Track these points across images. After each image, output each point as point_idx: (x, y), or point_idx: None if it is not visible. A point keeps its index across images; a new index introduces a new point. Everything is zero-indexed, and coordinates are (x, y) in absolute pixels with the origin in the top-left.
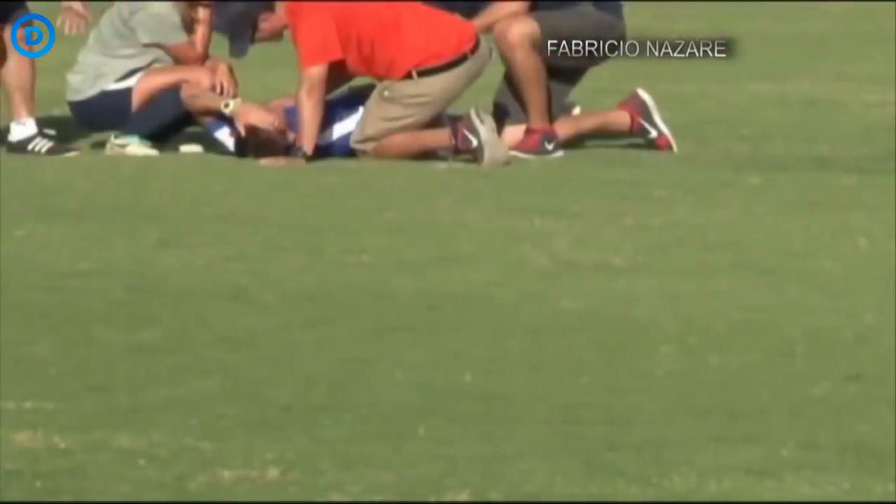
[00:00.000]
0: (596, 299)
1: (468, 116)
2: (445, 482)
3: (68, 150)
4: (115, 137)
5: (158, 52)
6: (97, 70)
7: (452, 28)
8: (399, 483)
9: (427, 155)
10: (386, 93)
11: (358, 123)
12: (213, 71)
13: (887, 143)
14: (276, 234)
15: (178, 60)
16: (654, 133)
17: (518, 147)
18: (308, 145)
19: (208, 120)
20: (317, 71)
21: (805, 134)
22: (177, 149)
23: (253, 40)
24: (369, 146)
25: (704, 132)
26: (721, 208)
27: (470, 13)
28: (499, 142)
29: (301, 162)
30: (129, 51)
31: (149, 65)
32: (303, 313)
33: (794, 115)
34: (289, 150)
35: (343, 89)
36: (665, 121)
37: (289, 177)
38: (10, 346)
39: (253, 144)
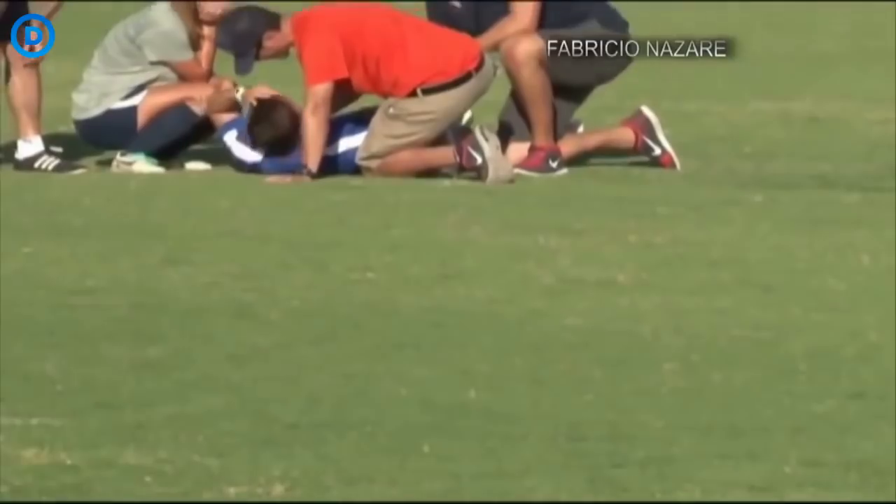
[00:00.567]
0: (600, 316)
1: (473, 134)
2: (450, 498)
3: (75, 167)
4: (122, 155)
5: (163, 69)
6: (102, 89)
7: (457, 46)
8: (404, 499)
9: (432, 172)
10: (391, 110)
11: (363, 140)
12: (218, 88)
13: (890, 161)
14: (281, 251)
15: (184, 77)
16: (657, 151)
17: (522, 165)
18: (313, 163)
19: (222, 123)
20: (322, 89)
21: (808, 152)
22: (183, 166)
23: (258, 58)
24: (374, 163)
25: (708, 150)
26: (724, 226)
27: (475, 31)
28: (503, 159)
29: (307, 180)
30: (136, 68)
31: (153, 81)
32: (308, 330)
33: (797, 132)
34: (297, 118)
35: (352, 108)
36: (669, 138)
37: (294, 194)
38: (17, 363)
39: (267, 118)
